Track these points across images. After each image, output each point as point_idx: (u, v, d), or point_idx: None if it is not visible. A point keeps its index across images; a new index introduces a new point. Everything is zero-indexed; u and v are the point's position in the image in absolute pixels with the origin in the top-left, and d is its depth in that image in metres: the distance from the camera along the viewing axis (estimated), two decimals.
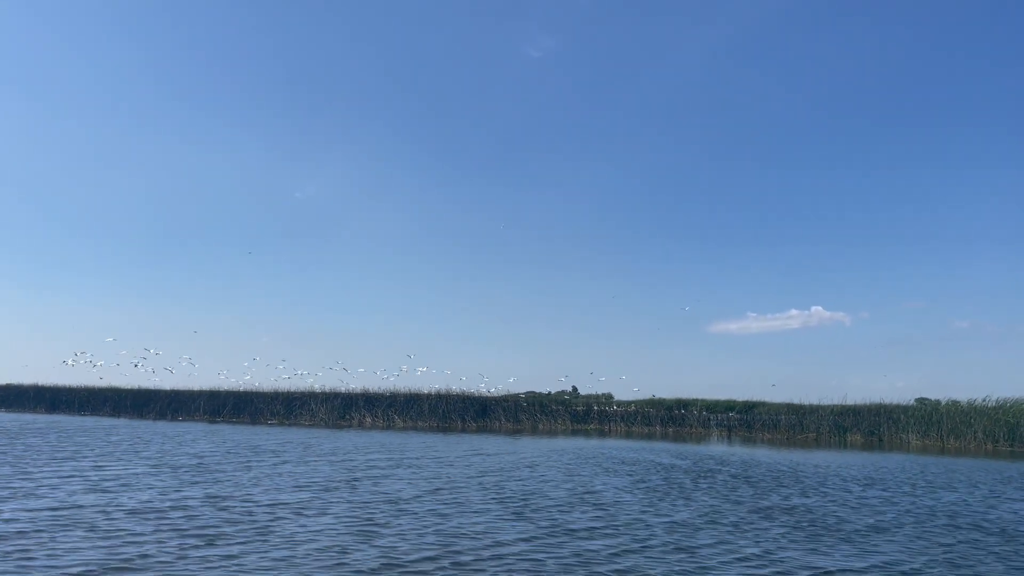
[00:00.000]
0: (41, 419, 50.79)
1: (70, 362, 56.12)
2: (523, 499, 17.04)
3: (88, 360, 56.22)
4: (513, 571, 10.46)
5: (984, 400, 43.79)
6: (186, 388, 59.07)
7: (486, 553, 11.43)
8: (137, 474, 19.53)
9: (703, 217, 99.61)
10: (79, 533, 11.75)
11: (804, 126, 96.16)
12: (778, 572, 10.94)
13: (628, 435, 47.19)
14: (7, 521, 12.53)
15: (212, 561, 10.31)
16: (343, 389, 55.11)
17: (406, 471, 22.19)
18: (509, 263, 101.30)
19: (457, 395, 53.63)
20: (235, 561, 10.35)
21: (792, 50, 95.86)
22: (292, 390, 55.99)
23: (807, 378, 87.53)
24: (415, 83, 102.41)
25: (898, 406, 46.23)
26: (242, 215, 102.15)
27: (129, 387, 61.11)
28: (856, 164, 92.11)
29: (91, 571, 9.68)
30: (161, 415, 56.99)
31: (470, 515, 14.71)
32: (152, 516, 13.36)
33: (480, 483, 19.74)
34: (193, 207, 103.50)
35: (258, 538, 11.82)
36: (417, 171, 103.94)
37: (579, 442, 38.71)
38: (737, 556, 11.83)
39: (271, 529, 12.60)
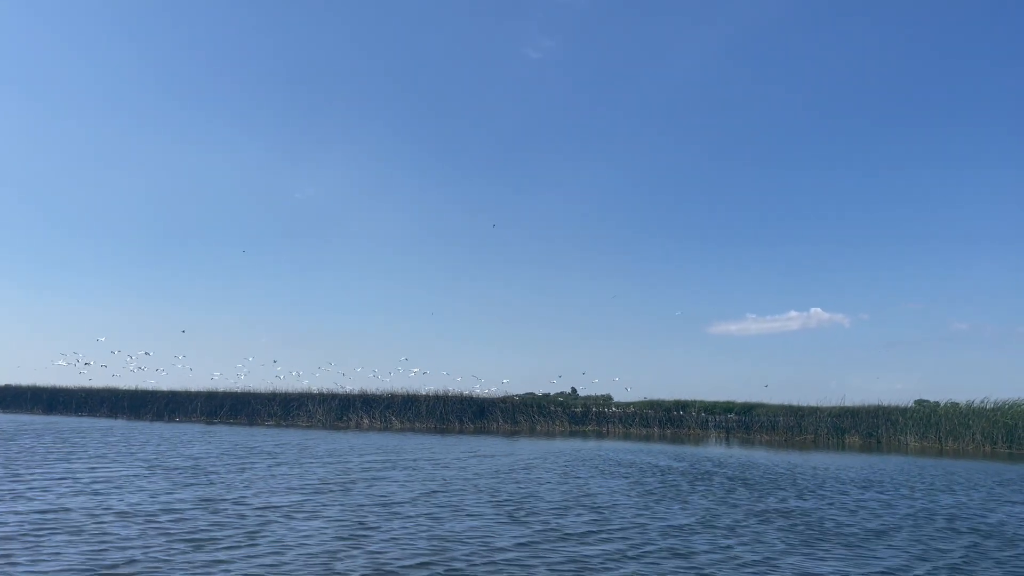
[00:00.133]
0: (38, 420, 50.62)
1: (62, 362, 55.97)
2: (518, 502, 16.88)
3: (78, 361, 56.07)
4: None
5: (982, 402, 43.65)
6: (183, 389, 58.95)
7: (478, 558, 11.27)
8: (129, 476, 19.37)
9: (703, 217, 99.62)
10: (64, 537, 11.59)
11: (804, 126, 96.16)
12: None
13: (626, 437, 47.03)
14: None
15: (197, 566, 10.15)
16: (340, 390, 55.00)
17: (401, 473, 22.03)
18: (509, 263, 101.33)
19: (455, 396, 53.44)
20: (221, 567, 10.19)
21: (792, 50, 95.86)
22: (289, 391, 55.88)
23: (806, 380, 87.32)
24: (415, 84, 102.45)
25: (896, 408, 46.08)
26: (242, 215, 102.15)
27: (126, 388, 61.03)
28: (856, 164, 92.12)
29: None
30: (158, 416, 56.81)
31: (463, 518, 14.55)
32: (140, 519, 13.19)
33: (475, 485, 19.59)
34: (193, 207, 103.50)
35: (246, 542, 11.65)
36: (417, 172, 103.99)
37: (576, 444, 38.55)
38: (732, 561, 11.67)
39: (260, 533, 12.44)
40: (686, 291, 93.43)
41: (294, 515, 14.28)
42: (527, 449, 33.57)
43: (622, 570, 10.85)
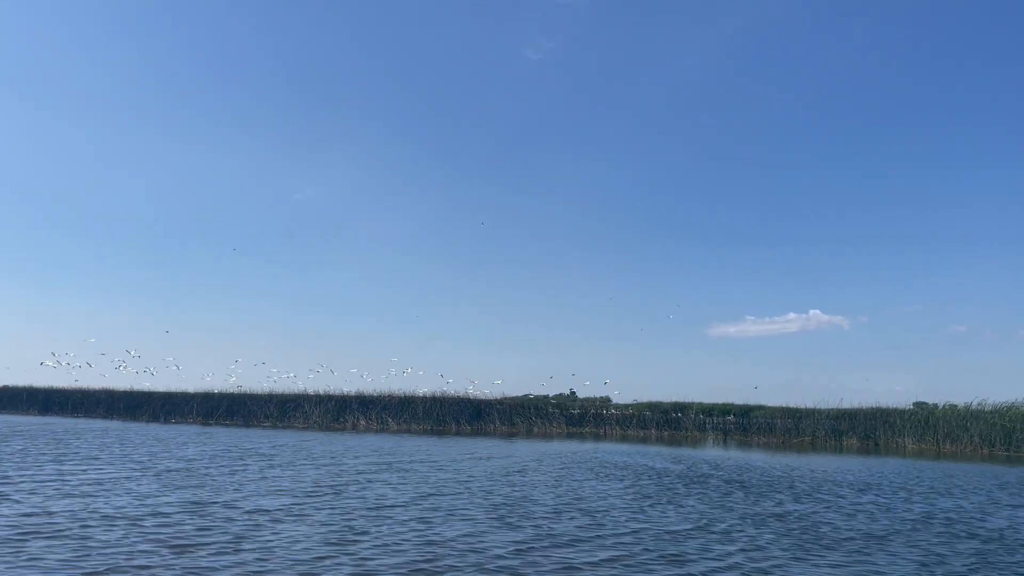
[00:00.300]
0: (33, 421, 50.44)
1: (49, 363, 55.71)
2: (511, 505, 16.69)
3: (61, 362, 55.80)
4: None
5: (980, 404, 43.45)
6: (180, 390, 58.76)
7: (466, 563, 11.08)
8: (119, 478, 19.17)
9: (702, 218, 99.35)
10: (44, 542, 11.38)
11: (804, 126, 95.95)
12: None
13: (623, 439, 46.84)
14: None
15: (178, 573, 9.95)
16: (337, 391, 54.79)
17: (394, 475, 21.84)
18: (508, 264, 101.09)
19: (452, 398, 53.23)
20: (201, 573, 9.99)
21: (791, 50, 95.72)
22: (286, 392, 55.68)
23: (805, 382, 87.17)
24: (415, 84, 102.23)
25: (894, 410, 45.88)
26: (241, 216, 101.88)
27: (122, 389, 60.82)
28: (856, 164, 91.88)
29: None
30: (154, 417, 56.60)
31: (454, 522, 14.36)
32: (124, 523, 12.99)
33: (468, 488, 19.40)
34: (192, 208, 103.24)
35: (230, 548, 11.45)
36: (416, 172, 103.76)
37: (573, 446, 38.35)
38: (725, 566, 11.48)
39: (246, 537, 12.24)
40: (685, 292, 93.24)
41: (283, 519, 14.08)
42: (523, 451, 33.38)
43: (611, 574, 10.67)
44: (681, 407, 52.96)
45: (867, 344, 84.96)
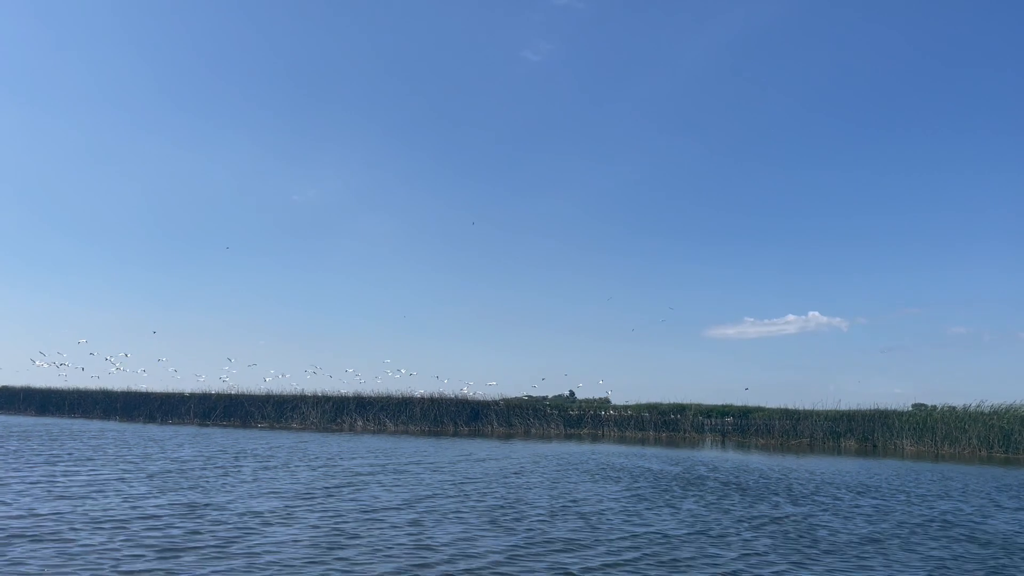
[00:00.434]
0: (29, 421, 50.24)
1: (39, 363, 55.55)
2: (504, 508, 16.52)
3: (55, 361, 55.66)
4: None
5: (978, 406, 43.24)
6: (177, 391, 58.57)
7: (457, 569, 10.91)
8: (109, 480, 18.98)
9: (702, 219, 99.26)
10: (29, 545, 11.19)
11: (804, 128, 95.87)
12: None
13: (621, 440, 46.67)
14: None
15: None
16: (334, 392, 54.59)
17: (389, 477, 21.66)
18: (507, 265, 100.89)
19: (449, 399, 53.03)
20: None
21: (789, 51, 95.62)
22: (283, 393, 55.49)
23: (803, 384, 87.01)
24: (414, 86, 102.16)
25: (893, 412, 45.70)
26: (239, 217, 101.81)
27: (119, 390, 60.60)
28: (856, 166, 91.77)
29: None
30: (151, 418, 56.41)
31: (447, 524, 14.20)
32: (111, 526, 12.80)
33: (463, 490, 19.22)
34: (189, 209, 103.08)
35: (217, 552, 11.27)
36: (416, 174, 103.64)
37: (571, 447, 38.18)
38: (720, 570, 11.31)
39: (234, 541, 12.06)
40: (684, 293, 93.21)
41: (272, 522, 13.91)
42: (520, 452, 33.21)
43: None
44: (679, 408, 52.76)
45: (866, 346, 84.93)
